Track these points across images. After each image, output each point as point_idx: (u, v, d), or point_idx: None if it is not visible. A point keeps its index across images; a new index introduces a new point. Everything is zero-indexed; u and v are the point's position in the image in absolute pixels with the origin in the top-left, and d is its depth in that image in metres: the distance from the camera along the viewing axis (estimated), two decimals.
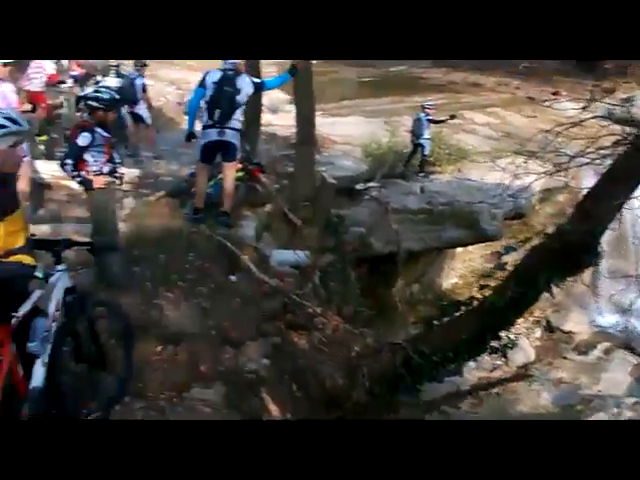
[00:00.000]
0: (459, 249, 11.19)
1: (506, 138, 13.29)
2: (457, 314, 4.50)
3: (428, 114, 11.42)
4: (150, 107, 11.00)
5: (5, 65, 5.02)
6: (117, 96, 4.67)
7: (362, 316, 6.37)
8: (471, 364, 6.78)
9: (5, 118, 2.64)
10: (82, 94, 4.64)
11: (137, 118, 10.08)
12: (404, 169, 11.26)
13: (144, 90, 10.03)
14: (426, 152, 11.24)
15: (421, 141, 11.22)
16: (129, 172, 6.99)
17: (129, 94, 9.47)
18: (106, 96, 4.47)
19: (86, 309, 3.31)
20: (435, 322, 4.66)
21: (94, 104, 4.45)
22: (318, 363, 4.62)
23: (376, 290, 8.34)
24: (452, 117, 11.93)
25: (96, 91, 4.51)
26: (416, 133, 11.32)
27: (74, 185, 7.67)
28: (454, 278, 11.86)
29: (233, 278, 5.63)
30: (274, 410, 3.88)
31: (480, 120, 15.33)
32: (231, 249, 5.90)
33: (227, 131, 5.98)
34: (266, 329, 4.96)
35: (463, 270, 12.06)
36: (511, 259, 10.75)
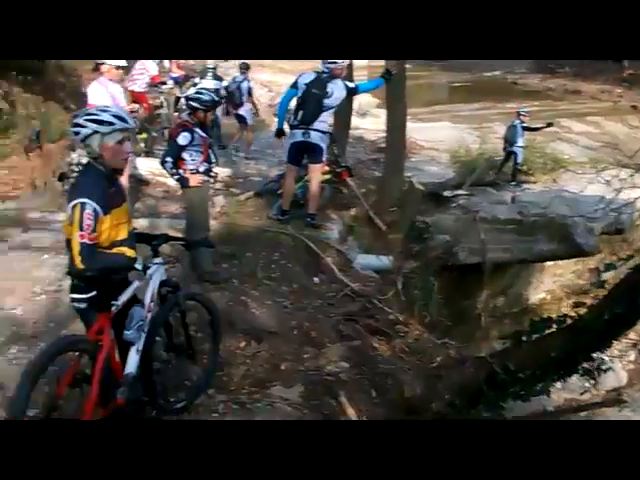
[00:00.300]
0: (549, 263, 10.70)
1: (605, 149, 12.59)
2: (548, 331, 4.29)
3: (523, 121, 11.04)
4: (256, 109, 11.44)
5: (118, 68, 5.32)
6: (216, 98, 4.84)
7: (442, 326, 6.24)
8: (557, 385, 6.47)
9: (113, 116, 2.80)
10: (184, 95, 4.83)
11: (240, 119, 10.55)
12: (495, 177, 10.93)
13: (250, 93, 10.51)
14: (519, 160, 10.87)
15: (514, 149, 10.86)
16: (221, 171, 7.22)
17: (236, 96, 10.04)
18: (206, 97, 4.64)
19: (178, 302, 3.44)
20: (524, 338, 4.46)
21: (195, 105, 4.64)
22: (398, 370, 4.56)
23: (459, 300, 8.15)
24: (549, 125, 11.45)
25: (197, 92, 4.69)
26: (509, 140, 10.97)
27: (170, 182, 8.05)
28: (542, 293, 11.35)
29: (316, 280, 5.69)
30: (352, 414, 3.86)
31: (578, 129, 14.64)
32: (315, 251, 5.97)
33: (312, 132, 6.05)
34: (346, 332, 4.96)
35: (552, 285, 11.51)
36: (610, 277, 10.16)
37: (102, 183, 2.81)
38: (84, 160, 7.81)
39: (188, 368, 3.93)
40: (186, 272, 5.05)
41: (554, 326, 4.29)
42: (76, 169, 7.83)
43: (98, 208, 2.72)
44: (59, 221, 6.47)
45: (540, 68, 22.74)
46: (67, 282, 4.59)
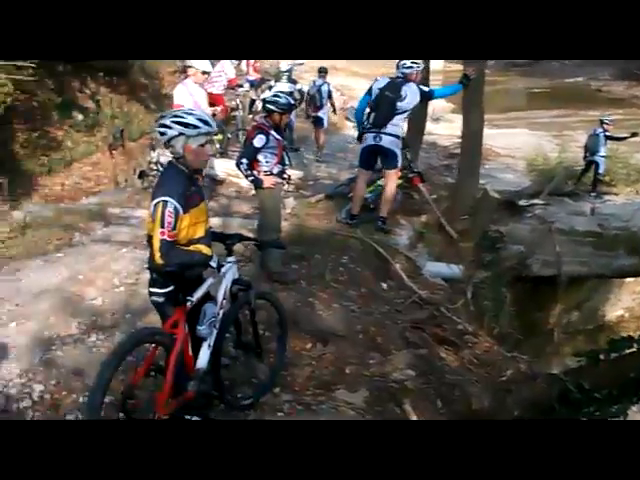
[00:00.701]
0: (628, 279, 10.15)
1: None
2: (628, 351, 4.07)
3: (606, 130, 10.55)
4: (334, 111, 11.62)
5: (203, 73, 5.49)
6: (292, 101, 4.91)
7: (513, 339, 6.05)
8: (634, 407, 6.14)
9: (199, 120, 2.89)
10: (261, 97, 4.93)
11: (318, 121, 10.75)
12: (574, 187, 10.49)
13: (329, 96, 10.72)
14: (600, 170, 10.38)
15: (595, 158, 10.40)
16: (292, 174, 7.31)
17: (317, 99, 10.29)
18: (283, 101, 4.71)
19: (249, 300, 3.50)
20: (601, 356, 4.25)
21: (272, 107, 4.72)
22: (465, 382, 4.46)
23: (530, 313, 7.88)
24: (634, 134, 10.88)
25: (274, 95, 4.77)
26: (591, 149, 10.51)
27: (243, 183, 8.25)
28: (619, 310, 10.77)
29: (384, 285, 5.65)
30: None
31: None
32: (384, 256, 5.94)
33: (383, 136, 6.02)
34: (413, 340, 4.90)
35: (631, 302, 10.91)
36: None
37: (183, 182, 2.91)
38: (163, 159, 8.18)
39: (255, 366, 4.00)
40: (256, 271, 5.14)
41: (635, 345, 4.06)
42: (155, 167, 8.19)
43: (179, 207, 2.82)
44: (137, 217, 6.77)
45: (625, 75, 21.66)
46: (144, 276, 4.80)
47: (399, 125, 6.14)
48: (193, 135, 2.88)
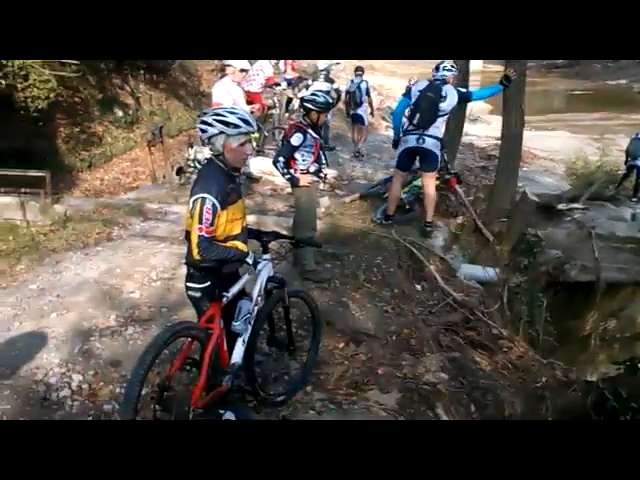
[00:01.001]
0: None
1: None
2: None
3: None
4: (372, 109, 11.68)
5: (242, 71, 5.54)
6: (330, 100, 4.91)
7: (548, 345, 5.94)
8: None
9: (240, 119, 2.92)
10: (300, 96, 4.94)
11: (357, 119, 10.85)
12: (614, 192, 10.24)
13: (368, 93, 10.84)
14: None
15: (637, 163, 10.15)
16: (328, 172, 7.32)
17: (357, 97, 10.43)
18: (321, 99, 4.72)
19: (283, 298, 3.53)
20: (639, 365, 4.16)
21: (310, 106, 4.74)
22: (499, 387, 4.40)
23: (566, 319, 7.72)
24: None
25: (313, 94, 4.77)
26: (632, 154, 10.27)
27: (278, 181, 8.30)
28: None
29: (418, 287, 5.61)
30: None
31: None
32: (418, 257, 5.90)
33: (426, 139, 5.97)
34: (446, 342, 4.85)
35: None
36: None
37: (222, 180, 2.94)
38: (200, 156, 8.26)
39: (288, 363, 4.02)
40: (290, 269, 5.17)
41: None
42: (192, 164, 8.30)
43: (217, 203, 2.85)
44: (175, 213, 6.88)
45: None
46: (180, 271, 4.88)
47: (440, 127, 6.10)
48: (234, 134, 2.91)
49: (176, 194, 7.94)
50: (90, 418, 3.30)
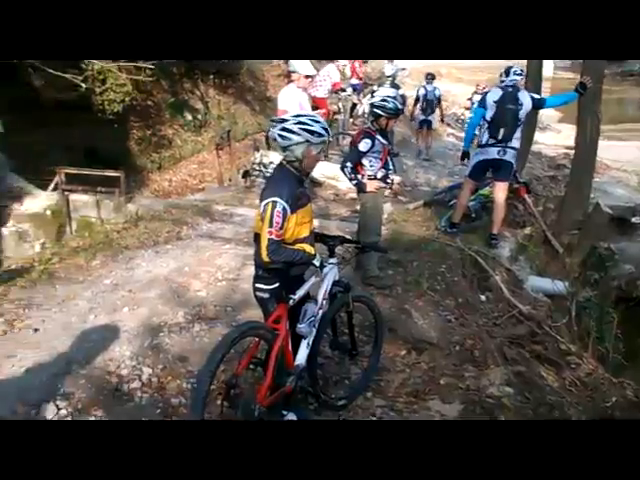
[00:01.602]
0: None
1: None
2: None
3: None
4: (442, 115, 11.67)
5: (307, 77, 5.60)
6: (400, 106, 4.90)
7: (619, 363, 5.68)
8: None
9: (323, 128, 2.98)
10: (370, 102, 4.95)
11: (426, 124, 10.89)
12: None
13: (439, 100, 10.88)
14: None
15: None
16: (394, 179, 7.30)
17: (431, 103, 10.54)
18: (391, 105, 4.71)
19: (347, 302, 3.54)
20: None
21: (379, 112, 4.74)
22: (566, 404, 4.24)
23: (637, 337, 7.37)
24: None
25: (383, 100, 4.76)
26: None
27: (341, 186, 8.34)
28: None
29: (482, 297, 5.50)
30: None
31: None
32: (484, 267, 5.78)
33: (508, 150, 5.87)
34: (511, 355, 4.73)
35: None
36: None
37: (293, 184, 2.99)
38: (265, 160, 8.40)
39: (349, 367, 4.03)
40: (352, 274, 5.17)
41: None
42: (258, 168, 8.46)
43: (287, 207, 2.90)
44: (240, 215, 7.03)
45: None
46: (244, 272, 4.99)
47: (519, 137, 5.96)
48: (317, 142, 2.96)
49: (241, 196, 8.12)
50: (158, 411, 3.41)
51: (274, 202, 2.89)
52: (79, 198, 7.38)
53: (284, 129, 2.94)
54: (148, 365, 3.84)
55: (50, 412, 3.26)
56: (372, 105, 4.86)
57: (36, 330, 4.21)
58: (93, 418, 3.26)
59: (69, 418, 3.21)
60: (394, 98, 4.86)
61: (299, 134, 2.92)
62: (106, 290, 4.89)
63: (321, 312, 3.34)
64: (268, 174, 7.68)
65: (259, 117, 12.99)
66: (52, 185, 7.47)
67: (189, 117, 12.16)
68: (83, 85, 8.31)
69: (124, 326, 4.27)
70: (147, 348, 4.02)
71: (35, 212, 7.28)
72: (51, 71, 7.92)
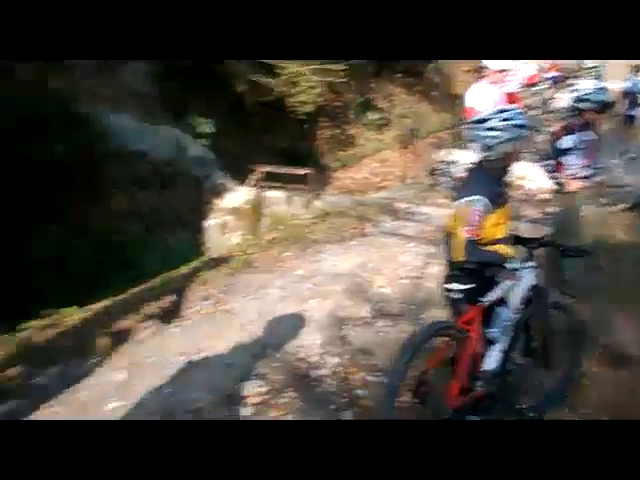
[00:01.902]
0: None
1: None
2: None
3: None
4: None
5: (501, 71, 5.32)
6: (608, 99, 4.47)
7: None
8: None
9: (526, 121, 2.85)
10: (575, 95, 4.58)
11: (629, 119, 10.04)
12: None
13: None
14: None
15: None
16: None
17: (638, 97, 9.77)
18: (600, 97, 4.32)
19: (544, 309, 3.32)
20: None
21: (586, 105, 4.37)
22: None
23: None
24: None
25: (589, 93, 4.39)
26: None
27: (530, 185, 7.88)
28: None
29: None
30: None
31: None
32: None
33: None
34: None
35: None
36: None
37: (492, 183, 2.88)
38: (450, 158, 8.24)
39: (542, 377, 3.78)
40: (547, 278, 4.84)
41: None
42: (442, 166, 8.33)
43: (486, 207, 2.81)
44: (423, 213, 6.99)
45: None
46: (428, 271, 4.94)
47: None
48: (525, 137, 2.87)
49: (425, 195, 8.06)
50: (345, 400, 3.52)
51: (473, 201, 2.82)
52: (273, 194, 7.92)
53: (489, 128, 2.83)
54: (335, 355, 3.98)
55: (249, 390, 3.53)
56: (577, 99, 4.49)
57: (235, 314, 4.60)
58: (286, 400, 3.47)
59: (267, 397, 3.46)
60: (601, 90, 4.44)
61: (507, 130, 2.80)
62: (295, 281, 5.18)
63: (515, 317, 3.17)
64: (452, 173, 7.52)
65: (443, 115, 12.75)
66: (251, 181, 8.12)
67: (373, 116, 12.36)
68: (276, 89, 8.88)
69: (311, 316, 4.47)
70: (334, 339, 4.17)
71: (235, 206, 7.98)
72: (252, 77, 8.61)
